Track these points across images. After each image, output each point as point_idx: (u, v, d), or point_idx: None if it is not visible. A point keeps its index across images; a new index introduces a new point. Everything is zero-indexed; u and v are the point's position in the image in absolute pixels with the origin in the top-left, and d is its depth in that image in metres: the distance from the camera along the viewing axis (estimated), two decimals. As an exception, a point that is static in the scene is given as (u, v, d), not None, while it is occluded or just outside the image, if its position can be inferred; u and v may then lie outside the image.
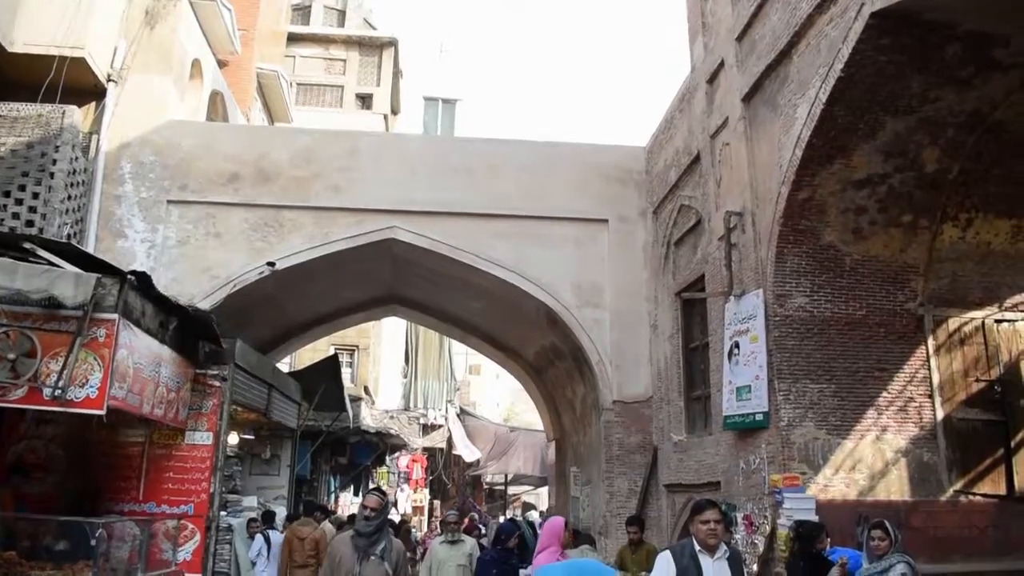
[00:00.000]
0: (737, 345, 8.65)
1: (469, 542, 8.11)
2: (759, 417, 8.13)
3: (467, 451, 25.15)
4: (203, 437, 9.08)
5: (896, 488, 8.01)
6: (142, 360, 7.42)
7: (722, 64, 9.58)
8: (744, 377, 8.45)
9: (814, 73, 7.44)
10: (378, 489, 5.81)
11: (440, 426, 25.72)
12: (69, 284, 6.47)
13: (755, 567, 7.73)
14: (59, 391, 6.43)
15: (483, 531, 15.54)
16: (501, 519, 23.14)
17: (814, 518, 7.26)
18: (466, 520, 21.19)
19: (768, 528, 7.75)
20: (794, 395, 8.02)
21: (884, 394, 8.26)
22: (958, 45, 6.76)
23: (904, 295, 8.51)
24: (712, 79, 9.92)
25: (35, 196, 9.88)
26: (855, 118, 7.41)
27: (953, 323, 8.66)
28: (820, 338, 8.23)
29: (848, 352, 8.27)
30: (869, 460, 8.03)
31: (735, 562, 4.63)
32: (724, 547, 4.60)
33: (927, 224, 8.32)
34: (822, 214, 8.11)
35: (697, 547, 4.53)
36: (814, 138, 7.55)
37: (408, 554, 7.67)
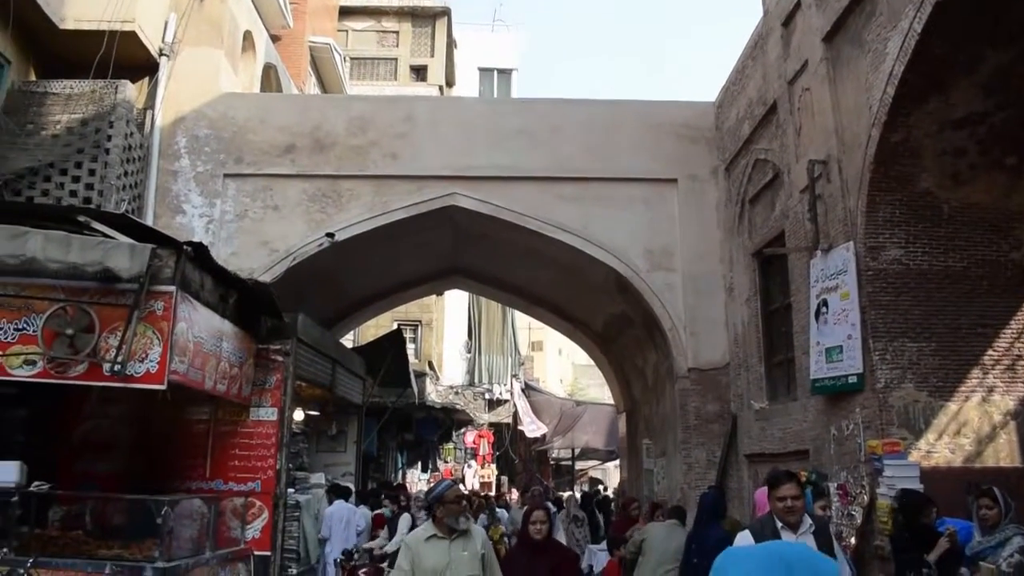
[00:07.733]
0: (825, 303, 8.06)
1: (478, 537, 5.11)
2: (853, 379, 7.55)
3: (532, 426, 24.83)
4: (268, 413, 8.88)
5: (1006, 454, 7.36)
6: (203, 334, 7.19)
7: (798, 4, 8.91)
8: (834, 337, 7.86)
9: (907, 2, 6.78)
10: None
11: (506, 401, 25.50)
12: (124, 256, 6.27)
13: (853, 540, 7.19)
14: (119, 366, 6.22)
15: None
16: (572, 493, 22.81)
17: (918, 487, 6.68)
18: (511, 491, 20.48)
19: (866, 498, 7.19)
20: (891, 355, 7.40)
21: (990, 352, 7.57)
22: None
23: (1008, 244, 7.78)
24: (787, 22, 9.26)
25: (91, 173, 9.71)
26: (954, 50, 6.71)
27: (1064, 273, 7.89)
28: (917, 293, 7.58)
29: (948, 307, 7.60)
30: (975, 424, 7.38)
31: (822, 535, 4.35)
32: (809, 521, 4.37)
33: (1034, 166, 7.57)
34: (917, 158, 7.43)
35: (779, 523, 4.30)
36: (908, 73, 6.88)
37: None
